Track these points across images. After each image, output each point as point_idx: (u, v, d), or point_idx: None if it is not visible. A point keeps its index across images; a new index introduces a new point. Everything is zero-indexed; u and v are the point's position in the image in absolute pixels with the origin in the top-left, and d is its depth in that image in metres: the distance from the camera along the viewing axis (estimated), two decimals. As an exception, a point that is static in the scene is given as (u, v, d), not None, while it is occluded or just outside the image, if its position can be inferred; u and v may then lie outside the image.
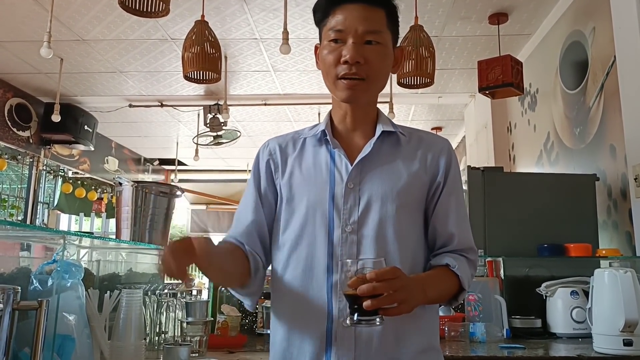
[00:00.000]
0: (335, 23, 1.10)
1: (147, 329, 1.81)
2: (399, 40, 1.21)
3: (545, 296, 2.27)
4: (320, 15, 1.15)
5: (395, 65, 1.19)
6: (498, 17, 3.60)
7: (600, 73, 2.88)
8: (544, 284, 2.27)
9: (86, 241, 1.79)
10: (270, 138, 1.25)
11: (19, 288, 1.20)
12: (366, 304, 0.90)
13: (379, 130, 1.16)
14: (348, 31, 1.09)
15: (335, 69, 1.10)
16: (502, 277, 2.36)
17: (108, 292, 1.71)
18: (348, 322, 0.96)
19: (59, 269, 1.40)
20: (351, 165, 1.12)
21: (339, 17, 1.10)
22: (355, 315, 0.94)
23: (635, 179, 2.38)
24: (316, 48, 1.19)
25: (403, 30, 3.44)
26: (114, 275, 2.04)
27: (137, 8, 2.35)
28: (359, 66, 1.08)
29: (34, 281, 1.40)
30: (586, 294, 2.09)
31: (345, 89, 1.11)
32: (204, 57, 2.92)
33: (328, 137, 1.16)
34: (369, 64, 1.09)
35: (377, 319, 0.94)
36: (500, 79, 3.39)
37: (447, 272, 1.09)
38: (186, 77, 3.14)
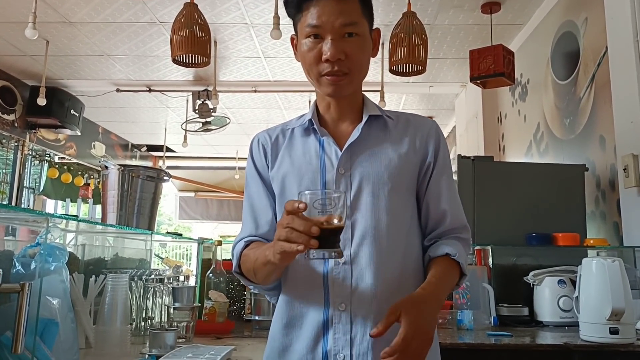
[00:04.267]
0: (311, 19, 1.07)
1: (134, 314, 1.78)
2: (392, 28, 1.20)
3: (533, 285, 2.28)
4: (293, 9, 1.12)
5: (375, 48, 1.18)
6: (490, 6, 3.58)
7: (591, 64, 2.88)
8: (531, 273, 2.28)
9: (71, 225, 1.76)
10: (259, 132, 1.24)
11: (1, 271, 1.17)
12: None
13: (365, 115, 1.16)
14: (325, 27, 1.06)
15: (317, 67, 1.09)
16: (491, 266, 2.37)
17: (93, 276, 1.69)
18: (309, 256, 0.93)
19: (42, 252, 1.37)
20: (340, 151, 1.12)
21: (314, 12, 1.07)
22: (312, 252, 0.91)
23: (624, 169, 2.39)
24: (292, 39, 1.17)
25: (395, 17, 3.42)
26: (99, 260, 2.01)
27: (125, -12, 2.29)
28: (340, 62, 1.07)
29: (17, 264, 1.37)
30: (573, 283, 2.10)
31: (329, 84, 1.10)
32: (193, 40, 2.88)
33: (315, 126, 1.15)
34: (350, 58, 1.08)
35: (334, 253, 0.92)
36: (491, 68, 3.39)
37: (450, 263, 1.09)
38: (174, 61, 3.09)
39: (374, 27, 1.18)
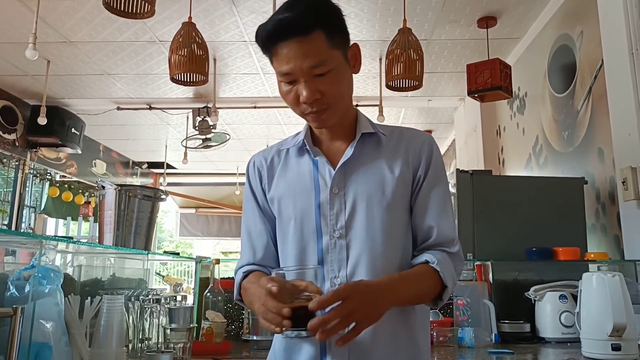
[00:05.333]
0: (280, 65, 1.06)
1: (130, 336, 1.77)
2: (388, 43, 1.20)
3: (534, 300, 2.25)
4: (263, 50, 1.11)
5: (355, 64, 1.15)
6: (487, 21, 3.61)
7: (588, 76, 2.88)
8: (532, 288, 2.25)
9: (67, 246, 1.75)
10: (254, 154, 1.25)
11: (-7, 295, 1.16)
12: (318, 337, 0.89)
13: (359, 133, 1.15)
14: (294, 72, 1.05)
15: (298, 108, 1.10)
16: (491, 281, 2.34)
17: (89, 298, 1.67)
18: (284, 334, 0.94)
19: (36, 274, 1.36)
20: (334, 170, 1.12)
21: (282, 57, 1.05)
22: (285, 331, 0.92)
23: (623, 182, 2.37)
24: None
25: (392, 33, 3.44)
26: (96, 281, 2.00)
27: (122, 9, 2.32)
28: (318, 101, 1.07)
29: (11, 287, 1.36)
30: (575, 297, 2.08)
31: (313, 121, 1.12)
32: (192, 59, 2.90)
33: (308, 147, 1.16)
34: (326, 94, 1.07)
35: (305, 333, 0.92)
36: (489, 82, 3.40)
37: (426, 269, 1.06)
38: (173, 80, 3.11)
39: (352, 42, 1.14)
